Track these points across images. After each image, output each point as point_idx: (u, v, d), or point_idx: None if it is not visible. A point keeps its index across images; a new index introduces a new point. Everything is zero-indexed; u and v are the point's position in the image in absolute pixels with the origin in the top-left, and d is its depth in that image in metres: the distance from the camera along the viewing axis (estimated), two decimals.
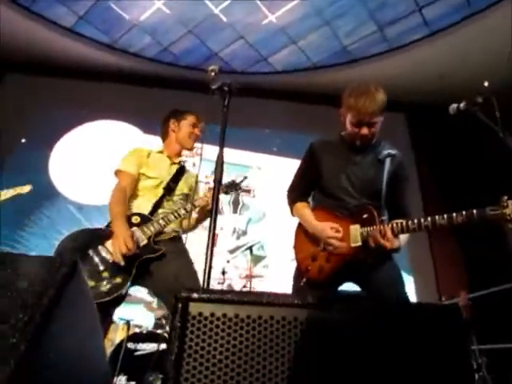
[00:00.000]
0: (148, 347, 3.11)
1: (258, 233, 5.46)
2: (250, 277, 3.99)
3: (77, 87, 6.00)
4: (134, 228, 1.98)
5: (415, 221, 1.65)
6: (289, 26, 5.32)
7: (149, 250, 1.95)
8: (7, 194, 2.36)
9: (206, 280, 1.27)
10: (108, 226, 2.03)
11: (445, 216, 1.53)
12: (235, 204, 5.75)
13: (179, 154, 2.36)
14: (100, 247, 1.93)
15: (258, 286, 4.69)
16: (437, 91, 5.89)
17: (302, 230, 2.03)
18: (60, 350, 0.77)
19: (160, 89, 6.10)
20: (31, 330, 0.68)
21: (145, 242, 1.96)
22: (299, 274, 1.96)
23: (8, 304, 0.71)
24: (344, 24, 5.25)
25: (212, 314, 0.92)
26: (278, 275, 4.95)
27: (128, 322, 3.35)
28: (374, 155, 1.93)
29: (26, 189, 2.42)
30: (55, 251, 1.90)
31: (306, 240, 1.98)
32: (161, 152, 2.31)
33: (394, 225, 1.71)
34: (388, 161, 1.89)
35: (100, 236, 1.96)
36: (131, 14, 5.30)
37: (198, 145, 2.36)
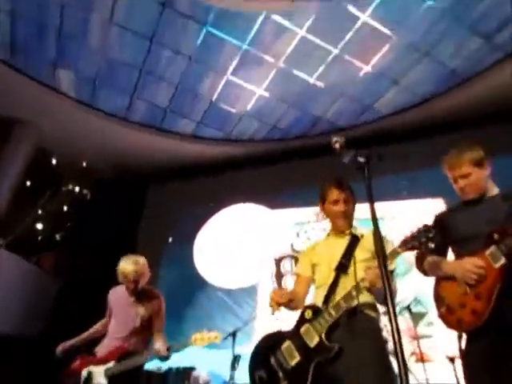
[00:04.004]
0: None
1: (409, 287, 4.92)
2: (416, 338, 3.53)
3: (204, 183, 6.71)
4: (304, 326, 1.76)
5: None
6: (387, 70, 5.21)
7: (321, 351, 1.66)
8: (204, 341, 2.40)
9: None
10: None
11: None
12: None
13: (345, 227, 2.06)
14: (279, 352, 1.77)
15: (428, 349, 4.12)
16: None
17: (438, 284, 1.87)
18: None
19: (274, 165, 6.45)
20: None
21: (316, 340, 1.68)
22: (458, 334, 1.77)
23: None
24: (445, 48, 4.95)
25: None
26: (447, 331, 4.29)
27: None
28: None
29: (219, 337, 2.45)
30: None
31: (445, 292, 1.81)
32: (328, 235, 2.15)
33: None
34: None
35: (279, 339, 1.81)
36: (238, 107, 5.86)
37: None
